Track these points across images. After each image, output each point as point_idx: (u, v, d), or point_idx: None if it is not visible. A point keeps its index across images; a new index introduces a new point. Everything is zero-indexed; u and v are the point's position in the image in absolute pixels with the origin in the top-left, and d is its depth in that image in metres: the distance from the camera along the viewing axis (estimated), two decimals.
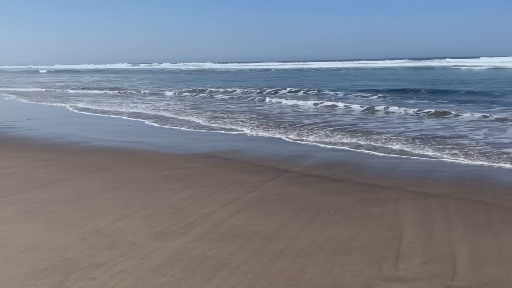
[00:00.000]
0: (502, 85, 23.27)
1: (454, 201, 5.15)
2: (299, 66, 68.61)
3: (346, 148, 8.54)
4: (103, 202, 5.20)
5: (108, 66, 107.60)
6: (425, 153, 7.89)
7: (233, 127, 11.53)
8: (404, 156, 7.69)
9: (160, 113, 14.75)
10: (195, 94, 22.97)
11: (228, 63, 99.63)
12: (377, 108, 14.57)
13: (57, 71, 77.32)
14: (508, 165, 6.87)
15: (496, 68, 43.48)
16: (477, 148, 8.15)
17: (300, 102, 17.32)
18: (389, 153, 8.00)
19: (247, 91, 23.42)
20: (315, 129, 10.85)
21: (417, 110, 13.51)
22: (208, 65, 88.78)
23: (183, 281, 3.31)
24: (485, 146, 8.27)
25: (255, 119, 12.80)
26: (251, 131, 10.72)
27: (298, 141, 9.39)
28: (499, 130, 10.11)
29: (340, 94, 20.54)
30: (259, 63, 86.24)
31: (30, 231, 4.31)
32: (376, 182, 6.04)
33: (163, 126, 12.06)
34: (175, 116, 13.95)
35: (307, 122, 12.17)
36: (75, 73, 66.83)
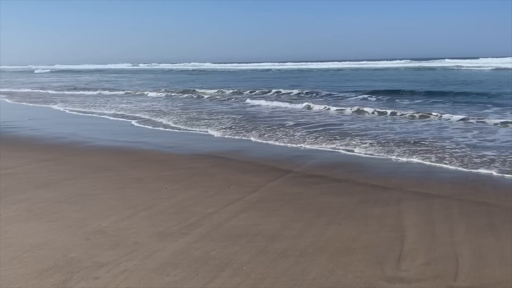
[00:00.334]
0: (502, 86, 23.11)
1: (456, 202, 5.15)
2: (300, 67, 68.56)
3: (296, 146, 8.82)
4: (105, 202, 5.22)
5: (107, 66, 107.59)
6: (389, 157, 7.76)
7: (201, 129, 11.35)
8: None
9: (137, 114, 14.67)
10: (186, 95, 22.57)
11: (229, 63, 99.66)
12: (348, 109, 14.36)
13: (52, 71, 77.11)
14: (485, 171, 6.65)
15: (498, 69, 43.23)
16: (449, 151, 7.96)
17: (275, 103, 17.11)
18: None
19: (241, 91, 23.36)
20: (290, 130, 10.69)
21: (401, 113, 13.28)
22: (208, 66, 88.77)
23: (186, 281, 3.32)
24: (464, 150, 8.09)
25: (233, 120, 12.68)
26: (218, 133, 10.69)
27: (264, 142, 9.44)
28: (481, 133, 9.87)
29: (335, 95, 20.32)
30: (260, 63, 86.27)
31: (33, 230, 4.32)
32: (378, 182, 6.05)
33: (142, 126, 12.20)
34: (150, 118, 13.82)
35: (277, 123, 11.96)
36: (73, 73, 66.58)
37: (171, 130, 11.43)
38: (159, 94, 23.22)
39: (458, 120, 11.75)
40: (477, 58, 66.93)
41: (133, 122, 12.94)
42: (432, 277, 3.35)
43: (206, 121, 12.69)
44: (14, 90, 28.30)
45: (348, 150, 8.30)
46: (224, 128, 11.18)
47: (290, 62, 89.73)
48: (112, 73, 62.05)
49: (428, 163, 7.15)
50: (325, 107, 15.34)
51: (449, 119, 12.02)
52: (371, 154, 7.87)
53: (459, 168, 6.80)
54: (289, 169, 6.86)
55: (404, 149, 8.19)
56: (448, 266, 3.53)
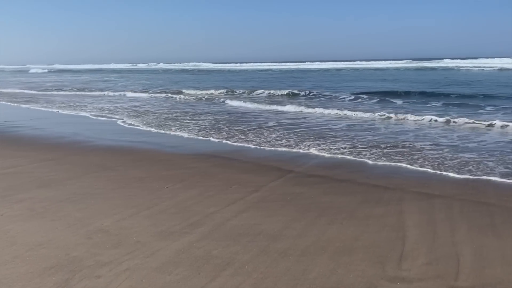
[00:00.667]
0: (501, 87, 22.99)
1: (457, 202, 5.16)
2: (301, 67, 68.48)
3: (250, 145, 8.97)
4: (107, 201, 5.23)
5: (107, 66, 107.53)
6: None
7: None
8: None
9: (106, 114, 14.75)
10: (170, 96, 22.24)
11: (230, 63, 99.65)
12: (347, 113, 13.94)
13: (50, 71, 76.89)
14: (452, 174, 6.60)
15: (502, 69, 42.99)
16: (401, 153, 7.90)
17: (253, 105, 16.97)
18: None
19: (235, 91, 23.26)
20: (249, 132, 10.60)
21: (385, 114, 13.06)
22: (208, 65, 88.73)
23: (187, 280, 3.33)
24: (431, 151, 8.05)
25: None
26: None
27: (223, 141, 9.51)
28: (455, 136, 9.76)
29: (328, 95, 20.17)
30: (262, 63, 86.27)
31: (36, 229, 4.34)
32: (379, 182, 6.06)
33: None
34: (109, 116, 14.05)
35: (242, 125, 11.91)
36: (71, 73, 66.18)
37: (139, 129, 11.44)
38: (142, 94, 23.25)
39: (429, 121, 11.85)
40: (484, 57, 66.70)
41: (90, 115, 13.43)
42: (433, 277, 3.36)
43: (183, 121, 12.74)
44: (1, 90, 28.22)
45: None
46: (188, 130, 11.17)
47: (292, 62, 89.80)
48: (111, 73, 62.02)
49: (393, 163, 7.17)
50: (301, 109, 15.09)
51: (421, 119, 12.04)
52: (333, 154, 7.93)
53: (427, 169, 6.82)
54: (290, 169, 6.87)
55: (376, 151, 8.19)
56: (449, 266, 3.54)
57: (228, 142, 9.46)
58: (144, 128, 11.75)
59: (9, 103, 19.19)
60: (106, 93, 24.63)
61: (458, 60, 65.68)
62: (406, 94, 19.45)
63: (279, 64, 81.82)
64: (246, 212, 4.86)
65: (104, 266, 3.55)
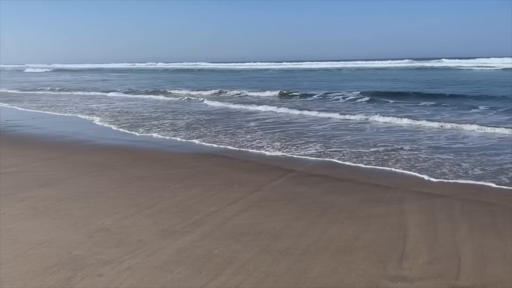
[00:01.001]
0: (500, 87, 22.83)
1: (458, 202, 5.16)
2: (302, 66, 68.42)
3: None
4: (109, 200, 5.25)
5: (106, 65, 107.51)
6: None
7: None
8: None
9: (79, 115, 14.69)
10: (153, 96, 22.01)
11: (232, 62, 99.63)
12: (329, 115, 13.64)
13: (47, 70, 76.80)
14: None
15: (505, 69, 42.65)
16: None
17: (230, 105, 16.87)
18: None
19: (223, 91, 23.05)
20: (206, 131, 10.70)
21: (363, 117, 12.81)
22: (210, 65, 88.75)
23: (189, 279, 3.34)
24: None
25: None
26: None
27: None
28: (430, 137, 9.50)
29: (322, 95, 19.87)
30: (264, 63, 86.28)
31: (38, 228, 4.35)
32: (380, 182, 6.06)
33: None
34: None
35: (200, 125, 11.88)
36: (68, 72, 65.80)
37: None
38: (123, 94, 23.23)
39: (383, 122, 11.72)
40: (486, 57, 66.40)
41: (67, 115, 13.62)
42: (434, 276, 3.36)
43: (157, 121, 12.73)
44: None
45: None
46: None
47: (295, 62, 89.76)
48: (109, 73, 62.02)
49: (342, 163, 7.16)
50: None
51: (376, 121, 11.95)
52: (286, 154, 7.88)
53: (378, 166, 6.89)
54: (291, 168, 6.88)
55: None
56: (450, 265, 3.54)
57: (195, 141, 9.48)
58: (115, 127, 11.75)
59: None
60: (93, 93, 24.49)
61: (461, 60, 65.52)
62: (400, 94, 19.17)
63: (280, 64, 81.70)
64: (247, 211, 4.87)
65: (105, 264, 3.56)
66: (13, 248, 3.88)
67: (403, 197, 5.34)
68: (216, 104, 17.66)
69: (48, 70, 78.81)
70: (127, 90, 25.35)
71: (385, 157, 7.53)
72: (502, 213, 4.77)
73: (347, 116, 13.00)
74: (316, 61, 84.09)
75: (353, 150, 8.14)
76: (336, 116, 13.20)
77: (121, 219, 4.61)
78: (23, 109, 16.81)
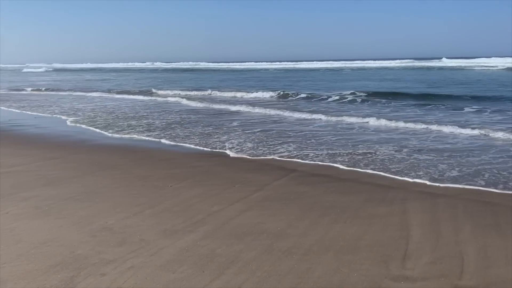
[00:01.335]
0: (501, 86, 22.63)
1: (461, 202, 5.15)
2: (302, 66, 68.31)
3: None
4: (112, 200, 5.26)
5: (105, 65, 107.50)
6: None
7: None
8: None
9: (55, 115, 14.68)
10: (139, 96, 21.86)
11: (235, 62, 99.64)
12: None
13: (47, 70, 76.99)
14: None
15: (509, 69, 42.33)
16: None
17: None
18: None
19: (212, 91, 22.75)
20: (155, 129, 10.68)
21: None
22: (211, 65, 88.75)
23: (192, 278, 3.34)
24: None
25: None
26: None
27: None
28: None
29: (316, 96, 19.50)
30: (265, 62, 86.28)
31: (41, 227, 4.36)
32: (383, 182, 6.05)
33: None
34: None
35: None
36: (66, 72, 65.98)
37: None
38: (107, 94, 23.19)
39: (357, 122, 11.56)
40: (489, 57, 66.09)
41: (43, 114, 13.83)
42: (437, 276, 3.35)
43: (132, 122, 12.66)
44: None
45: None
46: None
47: (296, 61, 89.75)
48: (108, 72, 62.09)
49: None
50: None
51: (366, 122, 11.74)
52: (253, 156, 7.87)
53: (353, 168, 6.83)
54: (294, 167, 6.88)
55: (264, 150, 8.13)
56: (454, 265, 3.54)
57: (163, 140, 9.49)
58: (84, 126, 11.82)
59: None
60: (82, 93, 24.36)
61: (463, 60, 65.27)
62: (394, 94, 18.92)
63: (281, 63, 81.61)
64: (250, 210, 4.87)
65: (108, 264, 3.57)
66: (16, 247, 3.89)
67: (405, 197, 5.33)
68: (199, 104, 17.29)
69: (47, 70, 78.82)
70: (119, 90, 25.29)
71: (359, 157, 7.52)
72: (505, 213, 4.76)
73: (331, 118, 12.60)
74: (318, 60, 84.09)
75: (329, 152, 8.03)
76: (322, 117, 12.80)
77: (124, 218, 4.62)
78: (6, 108, 16.83)
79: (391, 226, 4.39)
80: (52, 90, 27.00)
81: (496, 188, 5.64)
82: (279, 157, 7.67)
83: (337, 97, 18.64)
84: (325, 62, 79.63)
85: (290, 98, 19.52)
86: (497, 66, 46.48)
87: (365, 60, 77.87)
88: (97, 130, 11.17)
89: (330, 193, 5.53)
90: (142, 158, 7.73)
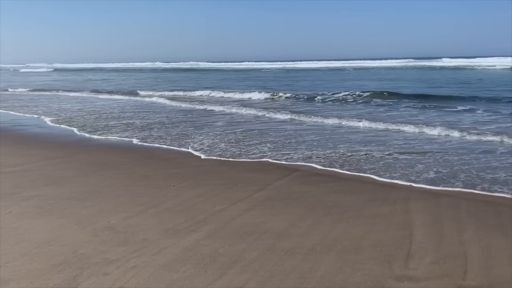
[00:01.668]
0: (496, 87, 22.35)
1: (464, 201, 5.13)
2: (304, 66, 68.18)
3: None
4: (114, 199, 5.26)
5: (106, 65, 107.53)
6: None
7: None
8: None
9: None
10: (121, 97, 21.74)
11: (234, 62, 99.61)
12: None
13: (47, 70, 77.00)
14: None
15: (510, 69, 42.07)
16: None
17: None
18: None
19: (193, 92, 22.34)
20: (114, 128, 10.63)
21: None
22: (213, 65, 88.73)
23: (194, 278, 3.34)
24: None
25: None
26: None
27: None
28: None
29: (311, 96, 19.19)
30: (267, 63, 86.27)
31: (43, 227, 4.37)
32: (386, 181, 6.03)
33: None
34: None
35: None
36: (63, 72, 65.97)
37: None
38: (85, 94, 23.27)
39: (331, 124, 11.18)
40: (491, 56, 65.76)
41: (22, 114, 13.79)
42: (440, 276, 3.34)
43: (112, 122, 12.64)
44: None
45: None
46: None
47: (298, 61, 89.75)
48: (108, 72, 62.08)
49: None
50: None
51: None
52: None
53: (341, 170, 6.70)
54: (296, 167, 6.87)
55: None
56: (457, 265, 3.52)
57: (134, 140, 9.48)
58: (63, 126, 11.86)
59: None
60: (69, 93, 24.33)
61: (466, 59, 65.04)
62: (389, 94, 18.59)
63: (283, 63, 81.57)
64: (252, 210, 4.86)
65: (111, 263, 3.57)
66: (19, 247, 3.89)
67: (408, 197, 5.32)
68: (188, 105, 16.95)
69: (47, 70, 78.79)
70: (111, 90, 25.26)
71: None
72: (508, 213, 4.74)
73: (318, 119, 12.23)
74: (320, 60, 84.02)
75: (306, 153, 7.95)
76: (311, 118, 12.42)
77: (126, 218, 4.62)
78: None
79: (394, 225, 4.38)
80: (36, 90, 26.91)
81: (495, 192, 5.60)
82: (249, 159, 7.54)
83: (333, 97, 18.41)
84: (326, 61, 79.58)
85: (283, 98, 19.11)
86: (495, 66, 46.12)
87: (367, 60, 77.82)
88: (75, 129, 11.13)
89: (332, 193, 5.52)
90: (145, 157, 7.73)
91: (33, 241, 4.02)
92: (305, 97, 19.08)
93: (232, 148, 8.41)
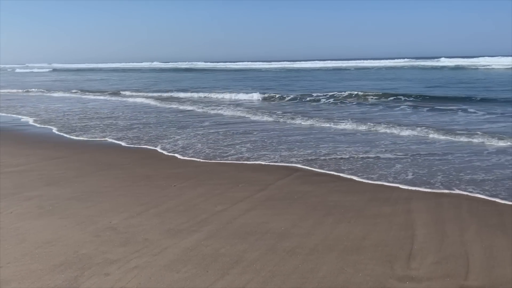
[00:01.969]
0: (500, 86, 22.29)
1: (466, 201, 5.12)
2: (305, 66, 68.04)
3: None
4: (115, 199, 5.26)
5: (105, 65, 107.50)
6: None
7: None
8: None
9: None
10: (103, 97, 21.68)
11: (236, 62, 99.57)
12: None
13: (43, 70, 76.75)
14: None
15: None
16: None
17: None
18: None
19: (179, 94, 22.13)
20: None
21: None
22: (213, 65, 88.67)
23: (196, 278, 3.34)
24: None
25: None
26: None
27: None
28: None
29: (307, 96, 18.92)
30: (268, 63, 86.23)
31: (45, 227, 4.37)
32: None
33: None
34: None
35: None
36: (59, 72, 65.59)
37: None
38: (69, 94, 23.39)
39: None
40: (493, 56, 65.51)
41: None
42: (442, 276, 3.33)
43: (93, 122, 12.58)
44: None
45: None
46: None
47: (299, 61, 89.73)
48: (109, 72, 61.95)
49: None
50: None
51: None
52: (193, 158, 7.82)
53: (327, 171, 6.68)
54: (297, 167, 6.85)
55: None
56: (459, 265, 3.51)
57: (107, 139, 9.51)
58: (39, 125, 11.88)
59: None
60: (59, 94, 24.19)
61: (469, 59, 64.87)
62: (383, 95, 18.38)
63: (282, 63, 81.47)
64: (254, 210, 4.86)
65: (112, 263, 3.56)
66: (21, 247, 3.89)
67: (410, 196, 5.31)
68: (174, 106, 16.77)
69: (45, 70, 78.56)
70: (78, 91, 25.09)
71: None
72: (510, 213, 4.72)
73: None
74: (321, 60, 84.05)
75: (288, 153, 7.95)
76: (302, 120, 12.08)
77: (127, 218, 4.62)
78: None
79: (396, 225, 4.37)
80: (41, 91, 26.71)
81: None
82: (224, 160, 7.45)
83: (328, 98, 18.16)
84: (327, 62, 79.54)
85: (277, 99, 18.71)
86: (491, 66, 45.84)
87: (368, 60, 77.82)
88: (55, 130, 11.12)
89: (334, 193, 5.51)
90: (146, 157, 7.73)
91: (34, 241, 4.02)
92: (298, 97, 18.68)
93: (207, 149, 8.31)
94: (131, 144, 9.06)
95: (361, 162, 7.08)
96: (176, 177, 6.27)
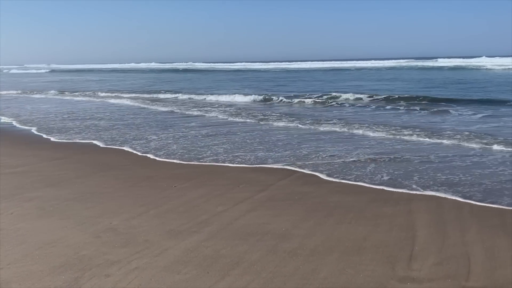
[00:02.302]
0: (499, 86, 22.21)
1: (466, 202, 5.11)
2: (306, 66, 67.95)
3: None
4: (116, 200, 5.25)
5: (105, 65, 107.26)
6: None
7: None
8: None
9: None
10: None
11: (236, 62, 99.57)
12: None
13: (41, 70, 76.56)
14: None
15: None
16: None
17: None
18: None
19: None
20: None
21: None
22: (214, 65, 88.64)
23: (196, 279, 3.33)
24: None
25: None
26: None
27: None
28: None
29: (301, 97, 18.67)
30: (269, 63, 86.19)
31: (45, 228, 4.36)
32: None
33: None
34: None
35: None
36: (56, 73, 65.33)
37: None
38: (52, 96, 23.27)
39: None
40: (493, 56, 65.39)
41: None
42: (444, 277, 3.32)
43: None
44: None
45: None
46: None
47: (299, 61, 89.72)
48: (108, 73, 61.72)
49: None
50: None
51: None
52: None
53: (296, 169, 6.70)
54: (298, 167, 6.84)
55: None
56: (460, 266, 3.50)
57: (94, 142, 9.42)
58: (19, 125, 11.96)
59: None
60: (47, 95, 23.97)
61: (471, 59, 64.79)
62: (377, 96, 18.08)
63: (285, 63, 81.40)
64: (254, 211, 4.85)
65: (113, 265, 3.56)
66: (21, 248, 3.89)
67: (410, 197, 5.30)
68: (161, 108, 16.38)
69: (43, 70, 78.34)
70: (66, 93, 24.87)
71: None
72: (511, 214, 4.71)
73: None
74: (321, 60, 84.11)
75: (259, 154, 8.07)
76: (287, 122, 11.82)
77: (128, 219, 4.61)
78: None
79: (397, 226, 4.36)
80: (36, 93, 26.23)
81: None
82: (199, 162, 7.35)
83: (320, 99, 17.90)
84: (327, 62, 79.54)
85: (271, 100, 18.21)
86: (489, 66, 45.67)
87: (368, 60, 77.80)
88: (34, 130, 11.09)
89: (334, 193, 5.50)
90: (146, 158, 7.72)
91: (35, 242, 4.01)
92: (290, 99, 18.20)
93: (181, 150, 8.25)
94: (108, 145, 9.05)
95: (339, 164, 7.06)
96: (176, 178, 6.26)
